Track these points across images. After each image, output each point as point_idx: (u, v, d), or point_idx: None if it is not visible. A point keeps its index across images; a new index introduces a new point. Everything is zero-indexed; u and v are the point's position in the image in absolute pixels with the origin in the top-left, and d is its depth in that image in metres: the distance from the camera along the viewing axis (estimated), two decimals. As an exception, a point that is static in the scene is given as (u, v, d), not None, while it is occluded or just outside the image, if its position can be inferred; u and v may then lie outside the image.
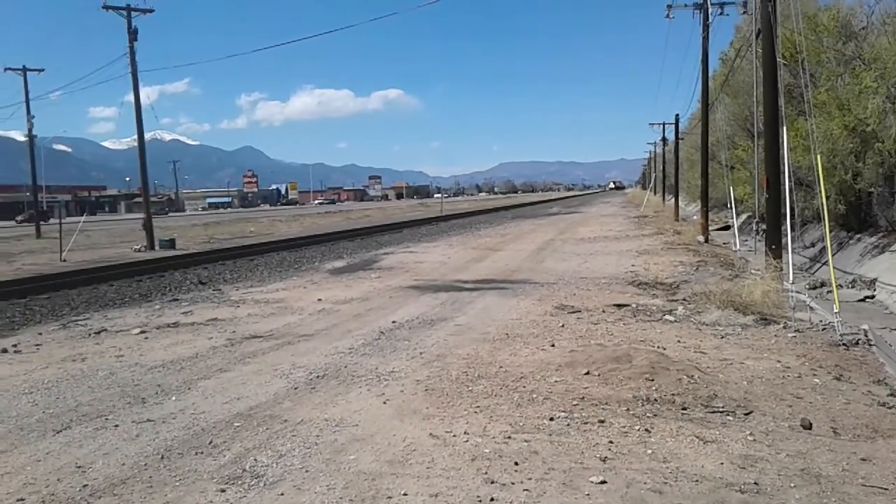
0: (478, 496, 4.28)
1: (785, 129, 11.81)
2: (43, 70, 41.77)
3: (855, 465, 4.64)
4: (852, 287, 13.38)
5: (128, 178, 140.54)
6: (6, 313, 12.48)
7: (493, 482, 4.47)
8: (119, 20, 27.62)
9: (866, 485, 4.33)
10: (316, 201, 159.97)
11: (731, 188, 22.23)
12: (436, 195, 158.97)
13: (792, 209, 11.63)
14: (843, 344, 8.01)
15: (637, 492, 4.29)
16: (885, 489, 4.27)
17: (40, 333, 10.45)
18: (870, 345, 8.04)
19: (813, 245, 18.56)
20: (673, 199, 44.02)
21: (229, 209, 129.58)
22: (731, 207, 22.73)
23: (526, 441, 5.17)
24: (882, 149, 14.19)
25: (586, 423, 5.51)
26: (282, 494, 4.43)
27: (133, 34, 27.72)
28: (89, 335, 10.07)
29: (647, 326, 9.29)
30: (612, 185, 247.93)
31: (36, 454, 5.28)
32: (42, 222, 44.71)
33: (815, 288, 13.20)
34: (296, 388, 6.82)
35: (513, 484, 4.44)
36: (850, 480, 4.40)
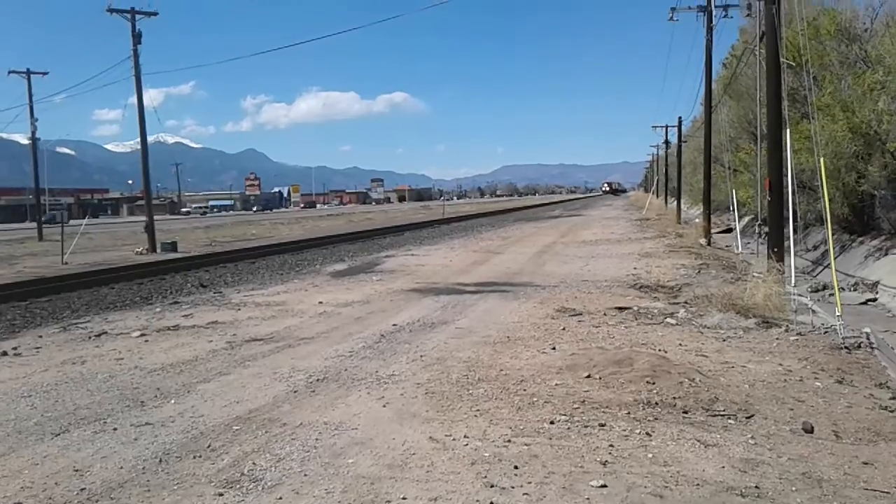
0: (477, 500, 4.25)
1: (788, 131, 11.78)
2: (47, 73, 41.75)
3: (857, 468, 4.60)
4: (854, 290, 13.35)
5: (130, 181, 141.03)
6: (6, 316, 12.47)
7: (492, 486, 4.44)
8: (123, 23, 27.73)
9: (868, 489, 4.30)
10: (319, 205, 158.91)
11: (734, 191, 22.18)
12: (439, 198, 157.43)
13: (794, 212, 11.61)
14: (845, 347, 7.97)
15: (638, 496, 4.26)
16: (888, 493, 4.24)
17: (40, 336, 10.44)
18: (872, 348, 8.00)
19: (815, 248, 18.52)
20: (675, 202, 43.97)
21: (231, 212, 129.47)
22: (733, 210, 22.66)
23: (526, 445, 5.14)
24: (886, 150, 14.14)
25: (587, 427, 5.47)
26: (280, 498, 4.40)
27: (137, 37, 27.78)
28: (89, 338, 10.06)
29: (648, 329, 9.25)
30: (605, 188, 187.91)
31: (33, 458, 5.25)
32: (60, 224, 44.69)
33: (817, 291, 13.17)
34: (295, 392, 6.79)
35: (513, 488, 4.41)
36: (852, 484, 4.36)
